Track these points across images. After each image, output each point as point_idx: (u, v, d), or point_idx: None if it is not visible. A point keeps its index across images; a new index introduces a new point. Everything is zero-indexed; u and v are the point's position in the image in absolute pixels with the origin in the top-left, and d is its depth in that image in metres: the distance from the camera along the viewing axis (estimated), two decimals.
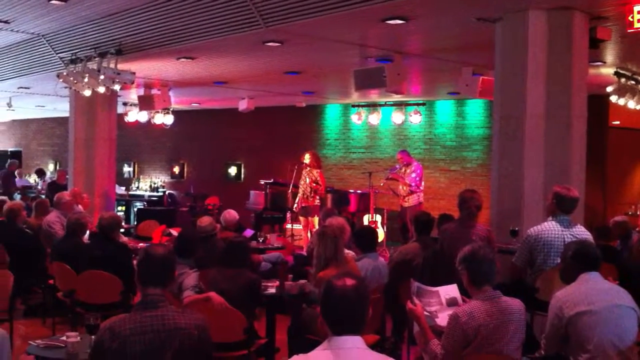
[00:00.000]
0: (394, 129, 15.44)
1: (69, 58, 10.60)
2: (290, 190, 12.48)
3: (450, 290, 4.38)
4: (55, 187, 13.63)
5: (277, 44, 8.93)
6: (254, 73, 11.64)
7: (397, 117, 14.63)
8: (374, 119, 15.05)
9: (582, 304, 4.10)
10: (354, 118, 15.37)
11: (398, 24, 7.63)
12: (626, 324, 4.17)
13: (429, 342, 4.01)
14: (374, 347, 5.39)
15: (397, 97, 13.64)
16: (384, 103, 15.11)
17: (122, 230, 10.70)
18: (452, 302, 4.29)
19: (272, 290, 6.07)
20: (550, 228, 5.61)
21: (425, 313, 4.19)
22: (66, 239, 7.44)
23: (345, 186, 15.19)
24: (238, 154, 18.38)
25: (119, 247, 7.09)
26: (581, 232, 5.64)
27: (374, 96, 14.32)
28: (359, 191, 13.23)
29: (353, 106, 15.60)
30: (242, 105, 14.96)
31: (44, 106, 18.37)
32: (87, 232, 7.83)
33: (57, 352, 4.01)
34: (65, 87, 11.52)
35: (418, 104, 14.59)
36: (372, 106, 15.24)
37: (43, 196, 13.78)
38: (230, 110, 16.48)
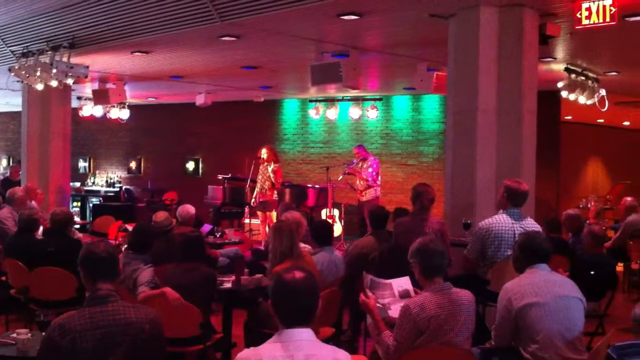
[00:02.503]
0: (351, 123, 15.53)
1: (21, 51, 10.42)
2: (248, 185, 12.48)
3: (402, 283, 4.44)
4: (8, 183, 13.38)
5: (233, 39, 8.91)
6: (210, 67, 11.59)
7: (354, 112, 14.73)
8: (332, 113, 15.12)
9: (530, 295, 4.19)
10: (311, 113, 15.41)
11: (353, 20, 7.69)
12: (573, 315, 4.27)
13: (382, 333, 4.07)
14: (331, 340, 5.43)
15: (354, 92, 13.73)
16: (341, 98, 15.18)
17: (77, 226, 10.61)
18: (404, 294, 4.36)
19: (229, 285, 6.07)
20: (500, 221, 5.71)
21: (378, 305, 4.25)
22: (18, 235, 7.31)
23: (303, 181, 15.23)
24: (196, 149, 18.27)
25: (73, 242, 7.00)
26: (531, 224, 5.74)
27: (331, 91, 14.38)
28: (317, 186, 13.30)
29: (311, 101, 15.64)
30: (200, 100, 14.87)
31: None
32: (41, 228, 7.72)
33: (7, 349, 3.96)
34: (18, 81, 11.31)
35: (375, 99, 14.71)
36: (330, 101, 15.30)
37: None
38: (188, 105, 16.38)
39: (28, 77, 10.17)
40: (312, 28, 8.44)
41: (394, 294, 4.37)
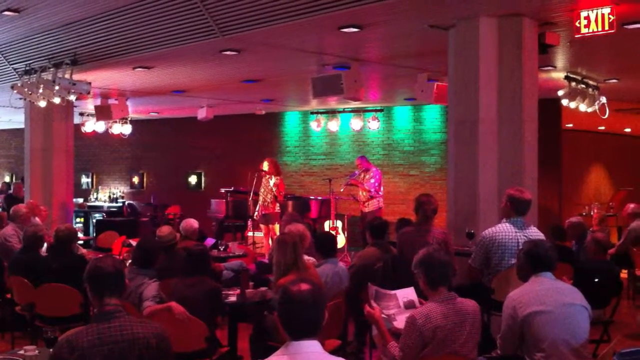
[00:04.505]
0: (352, 135, 15.56)
1: (23, 69, 10.47)
2: (250, 198, 12.49)
3: (407, 293, 4.46)
4: (12, 199, 13.42)
5: (234, 53, 8.96)
6: (212, 82, 11.64)
7: (355, 123, 14.77)
8: (333, 125, 15.16)
9: (535, 304, 4.20)
10: (313, 125, 15.45)
11: (354, 32, 7.73)
12: (578, 322, 4.27)
13: (388, 344, 4.08)
14: (337, 351, 5.43)
15: (355, 104, 13.76)
16: (342, 110, 15.23)
17: (81, 242, 10.63)
18: (409, 305, 4.37)
19: (234, 298, 6.08)
20: (504, 230, 5.73)
21: (383, 316, 4.27)
22: (23, 252, 7.33)
23: (305, 193, 15.25)
24: (198, 162, 18.31)
25: (77, 259, 7.02)
26: (534, 233, 5.75)
27: (332, 103, 14.42)
28: (319, 197, 13.32)
29: (312, 113, 15.68)
30: (201, 114, 14.91)
31: None
32: (45, 244, 7.74)
33: None
34: (20, 99, 11.37)
35: (376, 110, 14.74)
36: (331, 113, 15.34)
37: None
38: (189, 119, 16.43)
39: (30, 94, 10.22)
40: (312, 41, 8.49)
41: (399, 304, 4.38)
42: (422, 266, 4.10)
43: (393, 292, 4.43)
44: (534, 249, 4.47)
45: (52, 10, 8.38)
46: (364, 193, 11.96)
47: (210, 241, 9.67)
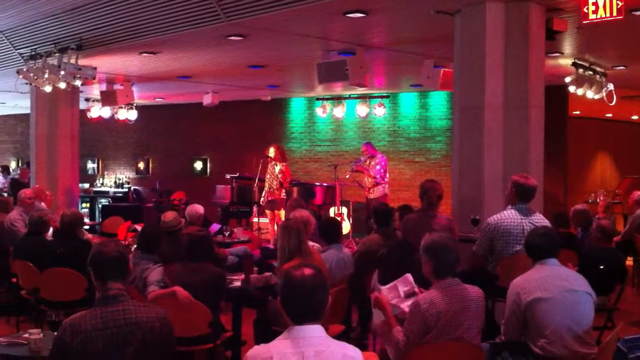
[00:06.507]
0: (358, 121, 15.53)
1: (29, 54, 10.48)
2: (256, 184, 12.49)
3: (406, 282, 4.42)
4: (17, 184, 13.47)
5: (239, 38, 8.93)
6: (217, 67, 11.62)
7: (361, 109, 14.73)
8: (339, 111, 15.11)
9: (539, 290, 4.20)
10: (318, 111, 15.42)
11: (359, 17, 7.69)
12: (582, 309, 4.28)
13: (393, 329, 4.07)
14: (340, 337, 5.44)
15: (361, 90, 13.72)
16: (348, 96, 15.18)
17: (87, 227, 10.66)
18: (410, 294, 4.36)
19: (238, 284, 6.10)
20: (509, 216, 5.71)
21: (391, 302, 4.26)
22: (29, 236, 7.35)
23: (311, 179, 15.25)
24: (204, 148, 18.32)
25: (83, 243, 7.04)
26: (540, 220, 5.74)
27: (338, 89, 14.37)
28: (325, 184, 13.32)
29: (318, 99, 15.64)
30: (207, 100, 14.91)
31: (4, 103, 18.08)
32: (51, 229, 7.76)
33: (19, 349, 3.99)
34: (26, 84, 11.38)
35: (382, 97, 14.69)
36: (337, 99, 15.30)
37: (5, 194, 13.62)
38: (195, 104, 16.42)
39: (36, 79, 10.23)
40: (318, 26, 8.45)
41: (400, 294, 4.37)
42: (431, 252, 4.04)
43: (392, 284, 4.42)
44: (530, 237, 4.52)
45: None
46: (370, 179, 11.95)
47: (215, 227, 9.69)
